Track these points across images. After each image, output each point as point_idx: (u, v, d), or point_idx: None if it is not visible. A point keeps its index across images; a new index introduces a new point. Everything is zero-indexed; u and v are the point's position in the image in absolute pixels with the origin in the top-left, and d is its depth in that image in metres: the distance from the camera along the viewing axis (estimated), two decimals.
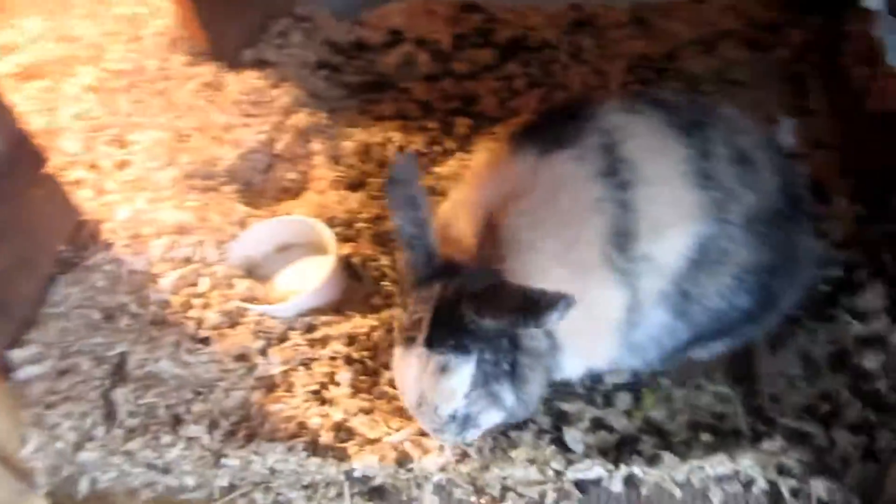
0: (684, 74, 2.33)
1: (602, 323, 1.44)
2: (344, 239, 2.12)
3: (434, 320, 1.33)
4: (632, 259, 1.39)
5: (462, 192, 1.54)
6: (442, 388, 1.35)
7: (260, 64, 2.61)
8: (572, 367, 1.54)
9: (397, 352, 1.41)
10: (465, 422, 1.40)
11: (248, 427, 1.69)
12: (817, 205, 1.86)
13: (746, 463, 1.49)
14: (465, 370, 1.34)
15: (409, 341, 1.36)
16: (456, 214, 1.50)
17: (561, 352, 1.48)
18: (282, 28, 2.78)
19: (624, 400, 1.65)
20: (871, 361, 1.60)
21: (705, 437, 1.54)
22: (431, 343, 1.33)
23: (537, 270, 1.36)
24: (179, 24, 2.54)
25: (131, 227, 2.08)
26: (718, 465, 1.49)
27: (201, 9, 2.46)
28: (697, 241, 1.40)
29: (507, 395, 1.40)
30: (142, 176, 2.27)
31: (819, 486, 1.45)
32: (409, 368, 1.38)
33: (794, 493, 1.45)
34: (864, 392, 1.57)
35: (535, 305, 1.18)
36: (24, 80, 2.61)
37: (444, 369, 1.33)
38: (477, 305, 1.27)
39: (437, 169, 2.25)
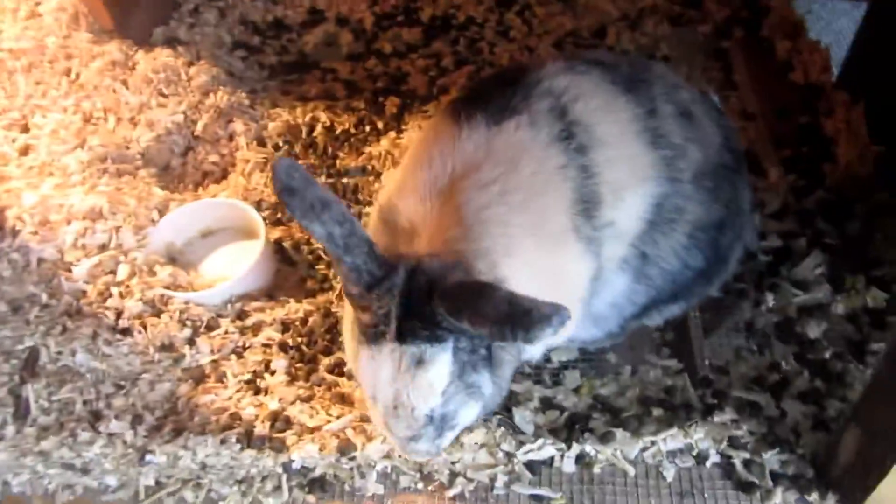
0: (612, 50, 2.33)
1: (568, 296, 1.36)
2: (274, 223, 2.03)
3: (402, 313, 1.18)
4: (597, 227, 1.33)
5: (402, 175, 1.41)
6: (419, 383, 1.19)
7: (171, 42, 2.46)
8: (536, 346, 1.46)
9: (363, 352, 1.23)
10: (443, 422, 1.25)
11: (175, 421, 1.58)
12: (752, 176, 1.88)
13: (698, 436, 1.47)
14: (442, 360, 1.19)
15: (377, 337, 1.20)
16: (400, 200, 1.35)
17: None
18: (193, 6, 2.63)
19: (572, 378, 1.62)
20: (814, 330, 1.62)
21: (656, 412, 1.53)
22: (403, 336, 1.18)
23: (505, 247, 1.26)
24: (80, 0, 2.37)
25: (38, 214, 1.92)
26: (671, 439, 1.47)
27: None
28: (653, 201, 1.37)
29: (486, 383, 1.27)
30: (47, 161, 2.11)
31: (772, 459, 1.45)
32: (380, 368, 1.21)
33: (747, 464, 1.45)
34: (811, 361, 1.59)
35: (526, 317, 1.02)
36: None
37: (419, 362, 1.19)
38: (453, 306, 1.11)
39: (368, 149, 2.17)
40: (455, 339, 1.19)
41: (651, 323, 1.61)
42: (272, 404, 1.59)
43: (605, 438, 1.46)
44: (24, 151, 2.18)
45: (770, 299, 1.67)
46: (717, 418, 1.48)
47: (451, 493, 1.46)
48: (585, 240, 1.32)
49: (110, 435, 1.53)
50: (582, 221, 1.31)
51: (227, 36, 2.57)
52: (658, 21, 2.41)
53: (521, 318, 1.02)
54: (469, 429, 1.48)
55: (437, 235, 1.27)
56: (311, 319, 1.77)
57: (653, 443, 1.46)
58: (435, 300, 1.13)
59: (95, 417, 1.57)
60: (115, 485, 1.53)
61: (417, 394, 1.21)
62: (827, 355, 1.58)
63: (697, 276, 1.47)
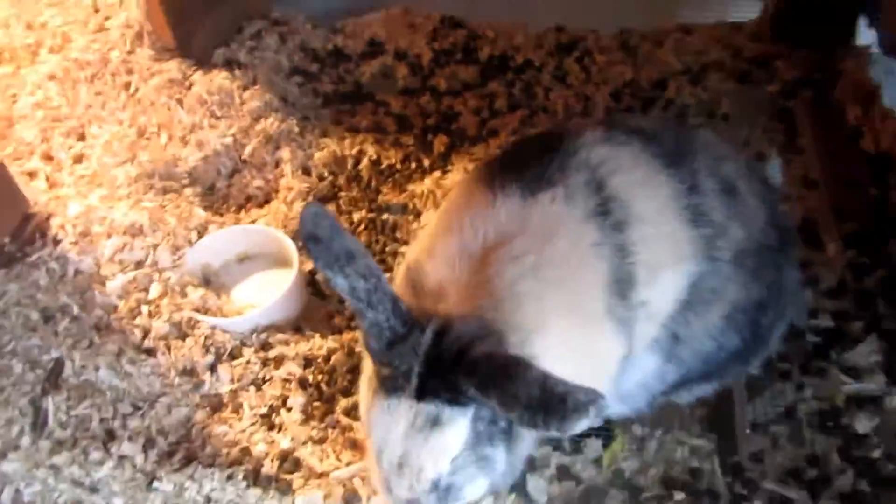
0: (672, 105, 2.26)
1: (598, 376, 1.29)
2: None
3: (425, 372, 1.12)
4: (631, 307, 1.27)
5: (432, 237, 1.36)
6: (432, 444, 1.13)
7: (230, 64, 2.49)
8: None
9: (377, 402, 1.17)
10: (447, 493, 1.18)
11: (187, 448, 1.56)
12: (807, 249, 1.79)
13: None
14: (460, 425, 1.13)
15: (395, 390, 1.14)
16: (428, 261, 1.31)
17: None
18: (256, 30, 2.67)
19: (594, 447, 1.54)
20: (864, 424, 1.50)
21: (678, 496, 1.44)
22: (423, 393, 1.12)
23: (537, 322, 1.20)
24: (146, 18, 2.42)
25: (81, 225, 1.95)
26: None
27: (170, 3, 2.35)
28: (690, 281, 1.31)
29: (500, 458, 1.20)
30: (98, 171, 2.15)
31: None
32: (393, 421, 1.15)
33: None
34: (857, 459, 1.47)
35: (560, 406, 0.95)
36: None
37: (436, 422, 1.13)
38: (481, 381, 1.06)
39: (411, 187, 2.15)
40: (477, 407, 1.14)
41: (680, 401, 1.53)
42: (284, 443, 1.56)
43: None
44: (78, 159, 2.22)
45: (816, 385, 1.57)
46: None
47: None
48: (618, 320, 1.26)
49: (121, 457, 1.52)
50: (616, 301, 1.25)
51: (286, 61, 2.59)
52: (722, 77, 2.33)
53: (555, 405, 0.96)
54: None
55: (466, 301, 1.22)
56: (334, 357, 1.73)
57: None
58: (462, 369, 1.09)
59: (109, 437, 1.57)
60: None
61: (428, 455, 1.15)
62: (876, 454, 1.46)
63: (733, 357, 1.40)
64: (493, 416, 1.16)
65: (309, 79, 2.56)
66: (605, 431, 1.55)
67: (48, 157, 2.24)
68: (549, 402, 0.96)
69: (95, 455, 1.52)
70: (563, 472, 1.49)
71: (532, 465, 1.50)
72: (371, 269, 1.12)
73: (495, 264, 1.24)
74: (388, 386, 1.15)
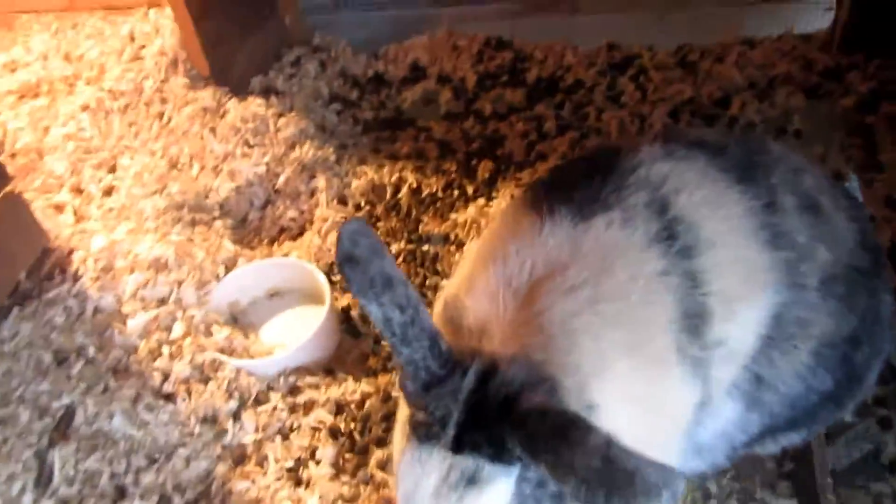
0: (736, 122, 2.07)
1: (668, 427, 1.12)
2: (344, 289, 1.87)
3: (465, 420, 0.97)
4: (705, 346, 1.09)
5: (472, 269, 1.21)
6: None
7: (267, 92, 2.40)
8: None
9: (409, 450, 1.02)
10: None
11: None
12: None
13: None
14: (501, 485, 0.96)
15: (429, 438, 0.99)
16: (468, 296, 1.15)
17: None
18: (295, 57, 2.58)
19: None
20: None
21: None
22: (461, 446, 0.97)
23: (596, 366, 1.03)
24: (181, 46, 2.34)
25: (104, 259, 1.84)
26: None
27: (205, 31, 2.27)
28: (772, 312, 1.12)
29: None
30: (126, 204, 2.05)
31: None
32: (424, 475, 0.99)
33: None
34: None
35: (626, 485, 0.80)
36: (23, 97, 2.44)
37: (472, 480, 0.96)
38: (531, 442, 0.90)
39: (454, 216, 2.00)
40: (523, 467, 0.96)
41: (764, 452, 1.32)
42: (311, 501, 1.40)
43: None
44: (108, 192, 2.13)
45: None
46: None
47: None
48: (691, 361, 1.07)
49: None
50: (687, 339, 1.06)
51: (325, 88, 2.49)
52: (791, 92, 2.13)
53: (620, 483, 0.80)
54: None
55: (512, 341, 1.05)
56: (368, 402, 1.58)
57: None
58: (510, 422, 0.92)
59: (120, 494, 1.43)
60: None
61: None
62: None
63: (824, 400, 1.19)
64: (541, 479, 0.98)
65: (348, 106, 2.45)
66: None
67: (77, 190, 2.16)
68: (612, 477, 0.80)
69: None
70: None
71: None
72: (410, 299, 0.96)
73: (544, 298, 1.07)
74: (422, 433, 0.99)
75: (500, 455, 0.95)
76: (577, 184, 1.19)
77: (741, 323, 1.11)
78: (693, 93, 2.21)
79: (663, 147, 1.21)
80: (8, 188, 1.73)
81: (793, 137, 2.01)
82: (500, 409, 0.95)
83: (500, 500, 0.96)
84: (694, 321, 1.08)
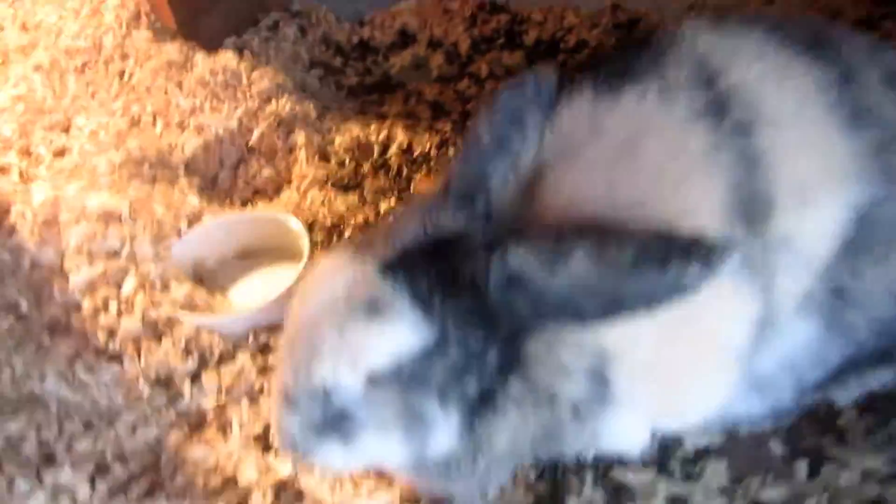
0: None
1: (718, 349, 0.92)
2: (325, 248, 1.63)
3: (423, 244, 0.85)
4: (767, 245, 0.89)
5: None
6: (358, 337, 0.81)
7: (240, 52, 2.18)
8: (629, 432, 0.98)
9: (326, 259, 0.91)
10: (335, 421, 0.84)
11: (151, 479, 1.14)
12: None
13: None
14: (404, 327, 0.82)
15: (360, 248, 0.88)
16: None
17: (614, 405, 0.92)
18: (272, 22, 2.37)
19: (716, 471, 1.09)
20: None
21: None
22: (391, 266, 0.84)
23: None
24: None
25: (47, 214, 1.59)
26: None
27: None
28: (856, 210, 0.90)
29: (440, 428, 0.86)
30: (80, 162, 1.81)
31: None
32: (324, 287, 0.86)
33: None
34: None
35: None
36: None
37: (375, 309, 0.82)
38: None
39: None
40: (448, 327, 0.82)
41: (843, 398, 1.08)
42: (282, 469, 1.14)
43: None
44: (60, 153, 1.89)
45: None
46: None
47: None
48: (747, 263, 0.87)
49: (56, 487, 1.11)
50: (742, 233, 0.87)
51: (306, 54, 2.28)
52: None
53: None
54: None
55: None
56: None
57: None
58: (511, 246, 0.81)
59: (47, 462, 1.16)
60: None
61: (344, 351, 0.82)
62: None
63: None
64: (463, 368, 0.83)
65: (331, 72, 2.24)
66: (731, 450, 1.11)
67: (26, 153, 1.91)
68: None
69: (23, 486, 1.11)
70: None
71: (628, 496, 1.05)
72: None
73: (552, 186, 0.92)
74: (357, 242, 0.90)
75: (426, 297, 0.82)
76: (605, 59, 0.99)
77: (814, 220, 0.90)
78: None
79: (710, 20, 1.01)
80: None
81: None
82: (477, 251, 0.84)
83: (396, 341, 0.82)
84: (749, 211, 0.87)
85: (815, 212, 0.90)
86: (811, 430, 1.11)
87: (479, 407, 0.87)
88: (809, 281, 0.92)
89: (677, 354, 0.91)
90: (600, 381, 0.90)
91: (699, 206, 0.88)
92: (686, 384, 0.95)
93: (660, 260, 0.75)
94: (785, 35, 0.98)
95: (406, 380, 0.83)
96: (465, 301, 0.83)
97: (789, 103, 0.92)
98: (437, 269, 0.84)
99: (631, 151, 0.90)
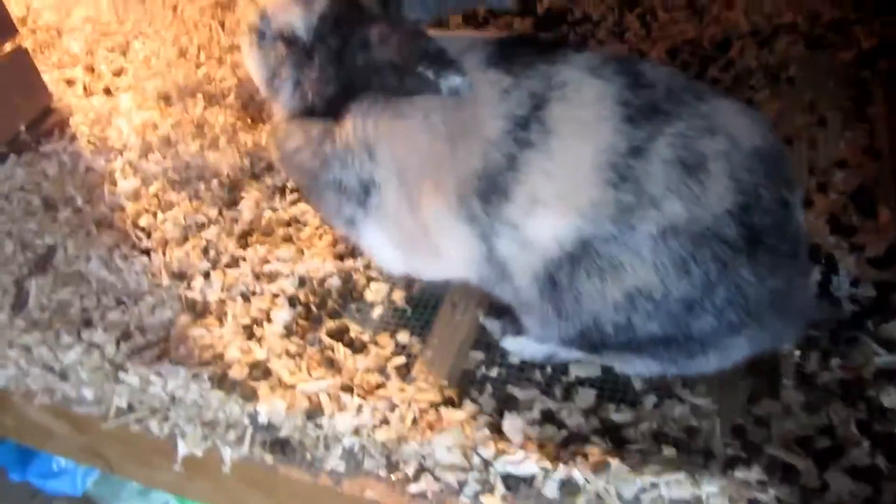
0: (732, 66, 2.09)
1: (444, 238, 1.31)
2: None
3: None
4: (494, 219, 1.23)
5: None
6: None
7: None
8: (381, 249, 1.44)
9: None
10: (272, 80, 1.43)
11: (162, 349, 1.50)
12: (859, 216, 1.61)
13: (711, 490, 1.20)
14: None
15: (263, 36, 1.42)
16: None
17: (371, 215, 1.40)
18: None
19: (586, 396, 1.40)
20: (892, 398, 1.32)
21: (668, 451, 1.28)
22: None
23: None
24: None
25: (102, 125, 1.93)
26: (676, 485, 1.21)
27: None
28: (578, 235, 1.17)
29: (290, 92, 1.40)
30: (133, 84, 2.14)
31: None
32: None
33: None
34: (877, 433, 1.28)
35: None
36: None
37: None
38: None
39: None
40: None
41: (620, 370, 1.41)
42: (259, 353, 1.49)
43: (598, 467, 1.24)
44: (118, 73, 2.23)
45: (843, 353, 1.38)
46: (739, 474, 1.22)
47: (413, 488, 1.28)
48: (472, 219, 1.26)
49: (91, 344, 1.48)
50: (475, 202, 1.24)
51: None
52: (793, 41, 2.14)
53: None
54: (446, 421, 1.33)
55: None
56: (329, 280, 1.65)
57: (653, 485, 1.22)
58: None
59: (86, 324, 1.53)
60: (91, 398, 1.46)
61: None
62: None
63: (653, 341, 1.23)
64: (326, 56, 1.34)
65: None
66: (603, 385, 1.42)
67: (90, 69, 2.25)
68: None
69: (66, 339, 1.48)
70: (548, 417, 1.36)
71: (513, 405, 1.38)
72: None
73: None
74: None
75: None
76: (510, 45, 1.29)
77: (538, 224, 1.19)
78: (695, 34, 2.22)
79: (600, 59, 1.22)
80: (17, 42, 1.82)
81: (785, 84, 2.02)
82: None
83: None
84: (489, 193, 1.22)
85: (539, 219, 1.18)
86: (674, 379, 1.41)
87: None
88: (533, 258, 1.21)
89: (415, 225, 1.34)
90: (369, 180, 1.35)
91: (461, 167, 1.23)
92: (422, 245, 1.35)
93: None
94: (633, 97, 1.16)
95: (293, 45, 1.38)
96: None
97: (572, 150, 1.16)
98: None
99: (459, 106, 1.22)
